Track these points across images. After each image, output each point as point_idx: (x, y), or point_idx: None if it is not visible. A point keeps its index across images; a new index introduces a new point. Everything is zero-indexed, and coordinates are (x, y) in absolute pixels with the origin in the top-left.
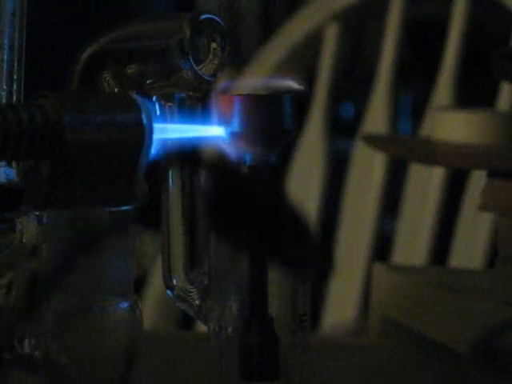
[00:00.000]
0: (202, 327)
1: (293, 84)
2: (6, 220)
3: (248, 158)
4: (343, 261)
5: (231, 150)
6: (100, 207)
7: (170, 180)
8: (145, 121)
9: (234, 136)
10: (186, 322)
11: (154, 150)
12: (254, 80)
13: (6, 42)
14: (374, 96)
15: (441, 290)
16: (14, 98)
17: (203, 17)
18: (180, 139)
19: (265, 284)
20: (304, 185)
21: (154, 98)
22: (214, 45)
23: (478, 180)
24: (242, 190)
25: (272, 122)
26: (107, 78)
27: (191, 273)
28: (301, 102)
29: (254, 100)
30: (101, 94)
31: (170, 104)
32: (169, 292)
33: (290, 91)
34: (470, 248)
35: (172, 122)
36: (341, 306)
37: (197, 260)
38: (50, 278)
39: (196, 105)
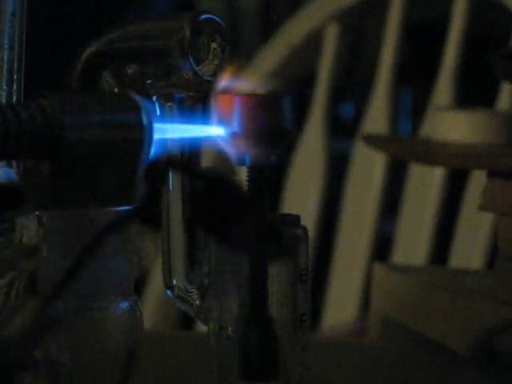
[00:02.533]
0: (202, 327)
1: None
2: (5, 220)
3: (248, 158)
4: (343, 261)
5: (231, 150)
6: (100, 207)
7: (170, 180)
8: (145, 121)
9: (234, 136)
10: (186, 322)
11: (153, 150)
12: (254, 80)
13: (6, 42)
14: (374, 96)
15: (441, 290)
16: (14, 98)
17: (203, 17)
18: (180, 139)
19: (265, 284)
20: (304, 185)
21: (153, 98)
22: (214, 45)
23: (477, 180)
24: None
25: (272, 122)
26: (107, 78)
27: (191, 273)
28: (301, 102)
29: (254, 100)
30: (101, 93)
31: (169, 104)
32: (169, 292)
33: (289, 91)
34: (470, 248)
35: (172, 121)
36: (341, 305)
37: (197, 260)
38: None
39: (196, 105)
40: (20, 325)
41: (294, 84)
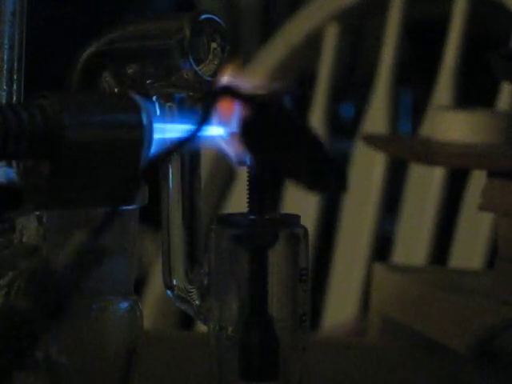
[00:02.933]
0: (202, 327)
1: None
2: (5, 220)
3: (248, 158)
4: (343, 261)
5: (231, 150)
6: (100, 207)
7: (170, 180)
8: (145, 121)
9: (234, 136)
10: (186, 322)
11: (153, 150)
12: (253, 80)
13: (6, 41)
14: (374, 96)
15: (441, 290)
16: (14, 98)
17: (203, 17)
18: (180, 139)
19: (265, 284)
20: None
21: (153, 98)
22: (214, 45)
23: (477, 180)
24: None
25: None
26: (107, 78)
27: (191, 273)
28: (301, 102)
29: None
30: (101, 93)
31: (169, 104)
32: (169, 292)
33: (289, 91)
34: (470, 248)
35: (172, 122)
36: (341, 305)
37: (197, 260)
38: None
39: (196, 105)
40: (66, 256)
41: (294, 83)
